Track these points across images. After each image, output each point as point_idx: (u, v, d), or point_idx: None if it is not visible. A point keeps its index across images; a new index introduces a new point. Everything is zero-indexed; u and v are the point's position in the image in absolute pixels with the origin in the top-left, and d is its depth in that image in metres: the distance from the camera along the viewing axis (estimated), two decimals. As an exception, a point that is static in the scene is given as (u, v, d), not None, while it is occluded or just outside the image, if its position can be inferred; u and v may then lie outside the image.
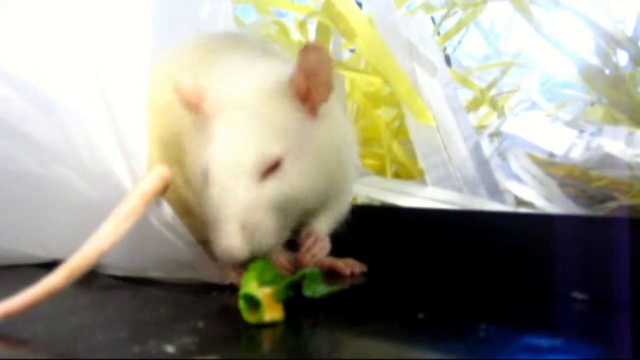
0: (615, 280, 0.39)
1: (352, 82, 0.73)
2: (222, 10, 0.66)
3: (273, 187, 0.40)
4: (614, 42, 0.61)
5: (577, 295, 0.41)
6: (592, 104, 0.80)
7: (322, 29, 0.69)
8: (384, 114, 0.73)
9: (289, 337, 0.35)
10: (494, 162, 0.59)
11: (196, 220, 0.45)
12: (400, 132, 0.71)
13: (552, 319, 0.39)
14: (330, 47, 0.71)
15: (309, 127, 0.43)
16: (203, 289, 0.46)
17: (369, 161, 0.72)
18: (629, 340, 0.33)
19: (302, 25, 0.72)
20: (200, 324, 0.36)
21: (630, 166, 0.55)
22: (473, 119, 0.77)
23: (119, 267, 0.49)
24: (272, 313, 0.36)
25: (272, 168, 0.40)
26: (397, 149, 0.68)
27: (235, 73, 0.45)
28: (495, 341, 0.33)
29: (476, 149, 0.59)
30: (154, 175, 0.44)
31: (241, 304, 0.36)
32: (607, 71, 0.62)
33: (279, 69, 0.44)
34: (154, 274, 0.48)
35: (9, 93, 0.46)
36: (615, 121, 0.69)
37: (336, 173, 0.45)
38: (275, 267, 0.40)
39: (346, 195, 0.49)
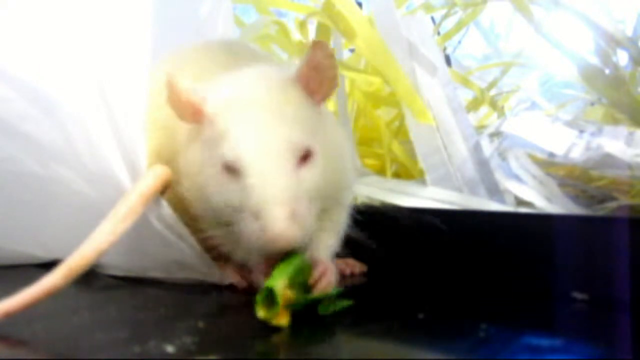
0: (615, 280, 0.39)
1: (352, 82, 0.73)
2: (222, 10, 0.67)
3: (308, 176, 0.40)
4: (614, 42, 0.60)
5: (577, 295, 0.41)
6: (592, 104, 0.80)
7: (322, 29, 0.69)
8: (384, 114, 0.73)
9: (289, 337, 0.35)
10: (494, 162, 0.59)
11: (196, 222, 0.45)
12: (400, 132, 0.71)
13: (552, 319, 0.39)
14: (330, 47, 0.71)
15: (319, 120, 0.43)
16: (203, 289, 0.46)
17: (369, 161, 0.72)
18: (629, 340, 0.33)
19: (302, 25, 0.72)
20: (200, 324, 0.36)
21: (630, 166, 0.55)
22: (473, 119, 0.77)
23: (119, 267, 0.49)
24: (281, 318, 0.35)
25: (304, 158, 0.40)
26: (397, 149, 0.67)
27: (236, 75, 0.45)
28: (495, 341, 0.33)
29: (476, 149, 0.59)
30: (153, 174, 0.44)
31: (262, 294, 0.35)
32: (607, 71, 0.62)
33: (278, 69, 0.45)
34: (154, 274, 0.48)
35: (9, 93, 0.46)
36: (615, 121, 0.69)
37: (342, 172, 0.45)
38: (308, 272, 0.40)
39: (344, 211, 0.47)
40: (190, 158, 0.44)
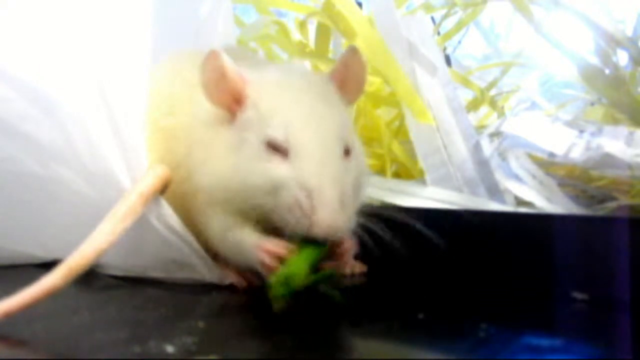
0: (615, 280, 0.39)
1: (352, 82, 0.72)
2: (222, 10, 0.66)
3: (352, 168, 0.41)
4: (614, 42, 0.60)
5: (577, 295, 0.41)
6: (592, 104, 0.80)
7: (322, 29, 0.69)
8: (384, 114, 0.73)
9: (289, 337, 0.35)
10: (494, 162, 0.59)
11: (196, 223, 0.45)
12: (400, 132, 0.71)
13: (552, 319, 0.39)
14: (330, 47, 0.71)
15: (350, 120, 0.44)
16: (203, 289, 0.46)
17: (369, 161, 0.72)
18: (629, 340, 0.33)
19: (302, 25, 0.72)
20: (200, 324, 0.36)
21: (630, 166, 0.55)
22: (473, 119, 0.77)
23: (119, 267, 0.49)
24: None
25: (346, 152, 0.41)
26: (397, 149, 0.67)
27: (270, 67, 0.46)
28: (495, 341, 0.33)
29: (476, 149, 0.59)
30: (153, 174, 0.44)
31: (280, 279, 0.35)
32: (607, 71, 0.62)
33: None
34: (154, 274, 0.48)
35: (9, 93, 0.46)
36: (615, 121, 0.69)
37: (363, 173, 0.45)
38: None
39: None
40: (218, 141, 0.43)
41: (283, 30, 0.74)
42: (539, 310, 0.40)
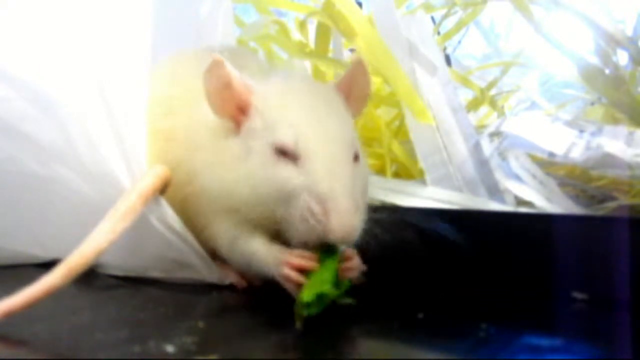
0: (615, 280, 0.39)
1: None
2: (222, 10, 0.67)
3: (361, 173, 0.41)
4: (614, 42, 0.60)
5: (577, 295, 0.41)
6: (592, 104, 0.80)
7: (322, 29, 0.69)
8: (384, 114, 0.73)
9: (289, 337, 0.35)
10: (494, 162, 0.59)
11: (196, 224, 0.45)
12: (400, 132, 0.71)
13: (552, 319, 0.39)
14: (330, 47, 0.71)
15: (355, 129, 0.44)
16: (203, 289, 0.46)
17: (369, 161, 0.72)
18: (629, 340, 0.33)
19: (302, 25, 0.72)
20: (200, 324, 0.36)
21: (630, 166, 0.55)
22: (473, 119, 0.77)
23: (119, 267, 0.50)
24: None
25: (355, 158, 0.41)
26: (397, 149, 0.67)
27: (274, 74, 0.46)
28: (495, 341, 0.33)
29: (476, 149, 0.59)
30: (153, 174, 0.44)
31: (312, 299, 0.34)
32: (607, 71, 0.62)
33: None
34: (154, 274, 0.48)
35: (9, 93, 0.46)
36: (615, 121, 0.69)
37: (367, 180, 0.45)
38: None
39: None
40: (222, 149, 0.43)
41: (283, 30, 0.74)
42: (539, 310, 0.40)
